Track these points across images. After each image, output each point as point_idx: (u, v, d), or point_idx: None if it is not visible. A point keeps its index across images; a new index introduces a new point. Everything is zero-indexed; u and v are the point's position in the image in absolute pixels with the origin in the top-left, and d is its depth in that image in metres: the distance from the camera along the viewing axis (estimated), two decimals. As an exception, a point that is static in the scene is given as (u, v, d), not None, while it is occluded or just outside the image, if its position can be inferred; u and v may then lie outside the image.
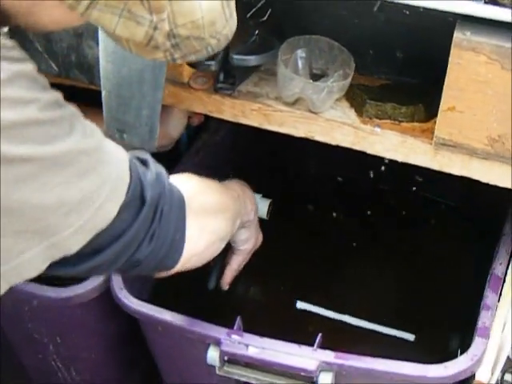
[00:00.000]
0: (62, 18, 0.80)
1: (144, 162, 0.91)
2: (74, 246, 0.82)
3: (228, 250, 1.31)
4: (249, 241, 1.28)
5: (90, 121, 0.84)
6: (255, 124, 1.18)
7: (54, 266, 0.83)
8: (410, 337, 1.38)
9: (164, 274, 1.01)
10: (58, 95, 0.79)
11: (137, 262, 0.90)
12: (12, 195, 0.74)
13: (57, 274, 0.86)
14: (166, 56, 0.83)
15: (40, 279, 1.20)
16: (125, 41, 0.80)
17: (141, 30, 0.78)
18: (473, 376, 1.07)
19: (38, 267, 0.82)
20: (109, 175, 0.82)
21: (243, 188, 1.23)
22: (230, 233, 1.12)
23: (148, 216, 0.87)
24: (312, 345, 1.09)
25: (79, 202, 0.79)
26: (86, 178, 0.79)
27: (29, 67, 0.76)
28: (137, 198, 0.86)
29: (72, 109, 0.81)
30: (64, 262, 0.84)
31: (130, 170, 0.86)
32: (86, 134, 0.81)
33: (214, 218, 1.04)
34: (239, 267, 1.32)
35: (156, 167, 0.92)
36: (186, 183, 0.99)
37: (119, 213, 0.83)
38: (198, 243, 0.99)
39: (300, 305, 1.42)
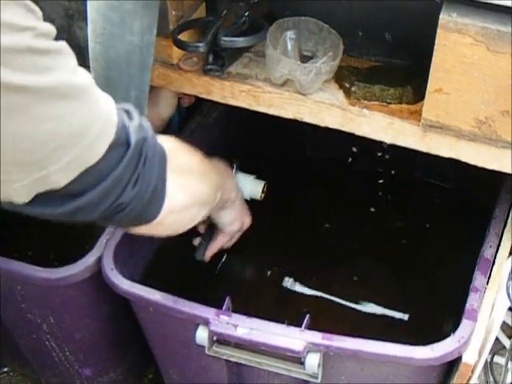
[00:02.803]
0: None
1: (127, 111, 0.91)
2: (60, 180, 0.82)
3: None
4: (234, 223, 1.30)
5: None
6: (244, 105, 1.18)
7: (40, 203, 0.83)
8: (404, 317, 1.38)
9: (142, 230, 0.99)
10: (52, 29, 0.78)
11: (121, 205, 0.89)
12: (5, 124, 0.74)
13: (43, 213, 0.86)
14: None
15: (33, 260, 1.24)
16: None
17: None
18: (460, 358, 1.08)
19: (24, 196, 0.82)
20: (99, 114, 0.82)
21: (225, 167, 1.24)
22: (210, 202, 1.12)
23: (133, 158, 0.87)
24: (301, 326, 1.10)
25: (69, 137, 0.79)
26: (77, 113, 0.79)
27: None
28: (123, 141, 0.86)
29: (65, 44, 0.80)
30: (50, 200, 0.84)
31: (117, 114, 0.86)
32: (78, 70, 0.80)
33: (194, 180, 1.04)
34: (223, 246, 1.35)
35: (140, 117, 0.92)
36: (168, 141, 0.98)
37: (106, 153, 0.83)
38: (177, 199, 0.98)
39: (291, 286, 1.42)
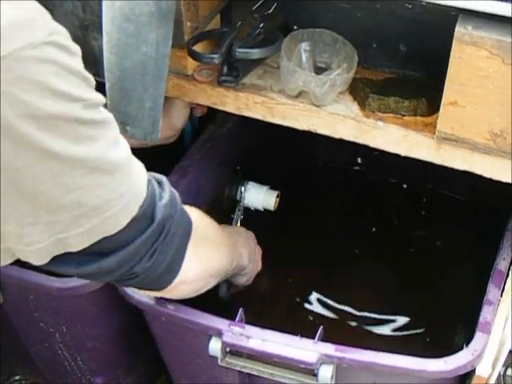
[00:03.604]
0: None
1: (160, 183, 0.93)
2: (78, 245, 0.84)
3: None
4: (249, 280, 1.32)
5: None
6: (258, 116, 1.18)
7: (57, 262, 0.86)
8: (417, 328, 1.38)
9: (151, 294, 1.05)
10: (102, 99, 0.80)
11: (134, 275, 0.92)
12: (38, 186, 0.76)
13: (58, 271, 0.89)
14: None
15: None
16: None
17: None
18: (473, 371, 1.07)
19: (41, 259, 0.85)
20: (127, 189, 0.84)
21: (237, 232, 1.27)
22: (224, 270, 1.14)
23: (153, 234, 0.89)
24: (314, 337, 1.09)
25: (93, 208, 0.81)
26: (106, 187, 0.81)
27: (80, 63, 0.78)
28: (147, 216, 0.88)
29: (110, 116, 0.82)
30: (67, 261, 0.86)
31: (147, 188, 0.88)
32: (119, 143, 0.83)
33: (211, 251, 1.06)
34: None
35: (170, 188, 0.94)
36: (194, 213, 1.01)
37: (127, 225, 0.85)
38: (191, 272, 1.00)
39: (306, 298, 1.42)
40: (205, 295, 1.31)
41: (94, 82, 0.80)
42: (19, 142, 0.73)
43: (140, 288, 1.00)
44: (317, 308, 1.41)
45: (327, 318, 1.36)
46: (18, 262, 1.21)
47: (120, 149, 0.83)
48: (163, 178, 0.95)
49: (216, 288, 1.33)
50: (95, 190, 0.80)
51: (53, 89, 0.73)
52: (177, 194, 0.95)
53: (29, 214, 0.79)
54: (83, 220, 0.81)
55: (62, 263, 0.86)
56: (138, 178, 0.87)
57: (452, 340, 1.34)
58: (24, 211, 0.78)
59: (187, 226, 0.96)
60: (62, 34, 0.76)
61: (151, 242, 0.90)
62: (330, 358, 1.07)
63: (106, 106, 0.85)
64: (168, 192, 0.93)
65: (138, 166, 0.88)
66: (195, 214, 1.02)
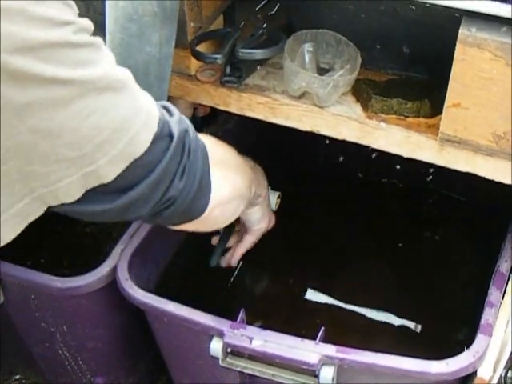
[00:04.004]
0: None
1: (166, 108, 0.91)
2: (109, 174, 0.82)
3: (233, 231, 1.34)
4: (263, 220, 1.29)
5: None
6: (261, 117, 1.18)
7: (90, 200, 0.83)
8: (417, 328, 1.38)
9: (189, 227, 0.99)
10: (90, 24, 0.78)
11: (170, 199, 0.89)
12: (51, 119, 0.74)
13: (93, 211, 0.86)
14: None
15: (46, 268, 1.24)
16: None
17: None
18: (475, 373, 1.07)
19: (74, 194, 0.82)
20: (141, 106, 0.82)
21: (255, 164, 1.24)
22: (248, 195, 1.12)
23: (177, 150, 0.87)
24: (315, 338, 1.09)
25: (114, 131, 0.79)
26: (120, 106, 0.79)
27: None
28: (166, 133, 0.86)
29: (101, 40, 0.80)
30: (101, 196, 0.84)
31: (158, 108, 0.86)
32: (116, 65, 0.81)
33: (234, 173, 1.05)
34: (250, 246, 1.33)
35: (178, 112, 0.92)
36: (204, 137, 0.98)
37: (151, 145, 0.83)
38: (223, 191, 0.98)
39: (308, 295, 1.42)
40: (205, 295, 1.33)
41: (76, 9, 0.77)
42: (22, 78, 0.70)
43: (179, 222, 0.97)
44: (318, 308, 1.41)
45: (328, 318, 1.36)
46: (20, 262, 1.24)
47: (121, 68, 0.81)
48: (168, 104, 0.93)
49: (209, 260, 1.34)
50: (110, 111, 0.78)
51: (39, 16, 0.71)
52: (184, 117, 0.93)
53: (50, 152, 0.76)
54: (108, 146, 0.79)
55: (95, 200, 0.84)
56: (146, 97, 0.85)
57: (452, 342, 1.34)
58: (44, 149, 0.76)
59: (203, 147, 0.94)
60: None
61: (177, 159, 0.88)
62: (332, 359, 1.06)
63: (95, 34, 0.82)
64: (177, 112, 0.91)
65: (141, 90, 0.86)
66: (209, 141, 0.99)
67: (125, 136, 0.80)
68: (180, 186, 0.89)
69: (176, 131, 0.87)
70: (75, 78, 0.74)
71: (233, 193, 1.03)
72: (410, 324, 1.38)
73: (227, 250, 1.35)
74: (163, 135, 0.85)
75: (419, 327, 1.38)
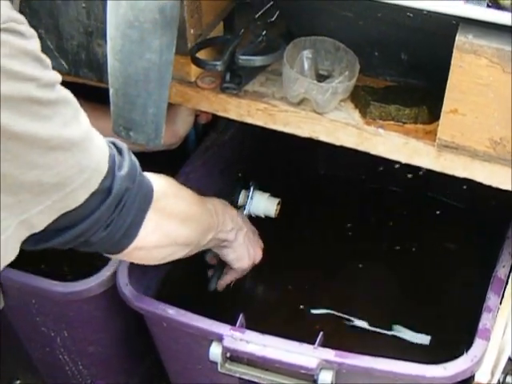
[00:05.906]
0: None
1: (120, 151, 0.93)
2: (40, 224, 0.85)
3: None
4: (239, 261, 1.31)
5: (98, 118, 0.87)
6: (260, 123, 1.19)
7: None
8: (425, 339, 1.38)
9: (109, 256, 1.05)
10: (58, 77, 0.80)
11: (89, 243, 0.93)
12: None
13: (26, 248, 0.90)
14: None
15: (46, 273, 1.24)
16: None
17: None
18: (472, 377, 1.08)
19: (14, 249, 0.86)
20: (88, 165, 0.85)
21: (225, 207, 1.24)
22: (196, 243, 1.14)
23: (110, 207, 0.91)
24: (314, 343, 1.10)
25: (53, 185, 0.82)
26: (64, 164, 0.81)
27: (34, 45, 0.77)
28: (105, 189, 0.89)
29: (68, 94, 0.82)
30: (27, 240, 0.87)
31: (108, 162, 0.89)
32: (78, 120, 0.83)
33: (175, 223, 1.06)
34: (235, 279, 1.36)
35: (131, 157, 0.94)
36: (162, 183, 1.02)
37: (86, 200, 0.86)
38: (148, 239, 1.01)
39: (306, 304, 1.43)
40: (204, 300, 1.33)
41: (49, 62, 0.80)
42: None
43: (97, 252, 1.01)
44: (317, 313, 1.42)
45: (327, 323, 1.36)
46: (20, 265, 1.24)
47: (78, 125, 0.83)
48: (124, 146, 0.95)
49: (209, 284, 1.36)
50: (54, 168, 0.80)
51: (5, 70, 0.73)
52: (137, 164, 0.96)
53: None
54: (43, 197, 0.82)
55: (25, 242, 0.87)
56: (98, 152, 0.87)
57: (453, 346, 1.34)
58: None
59: (147, 196, 0.97)
60: (19, 22, 0.76)
61: (108, 214, 0.91)
62: (330, 363, 1.07)
63: (63, 83, 0.84)
64: (128, 161, 0.93)
65: (100, 140, 0.88)
66: (163, 183, 1.02)
67: (62, 191, 0.83)
68: (102, 235, 0.92)
69: (117, 188, 0.90)
70: (26, 133, 0.76)
71: (163, 241, 1.05)
72: (410, 330, 1.38)
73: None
74: (102, 190, 0.88)
75: (419, 332, 1.38)
